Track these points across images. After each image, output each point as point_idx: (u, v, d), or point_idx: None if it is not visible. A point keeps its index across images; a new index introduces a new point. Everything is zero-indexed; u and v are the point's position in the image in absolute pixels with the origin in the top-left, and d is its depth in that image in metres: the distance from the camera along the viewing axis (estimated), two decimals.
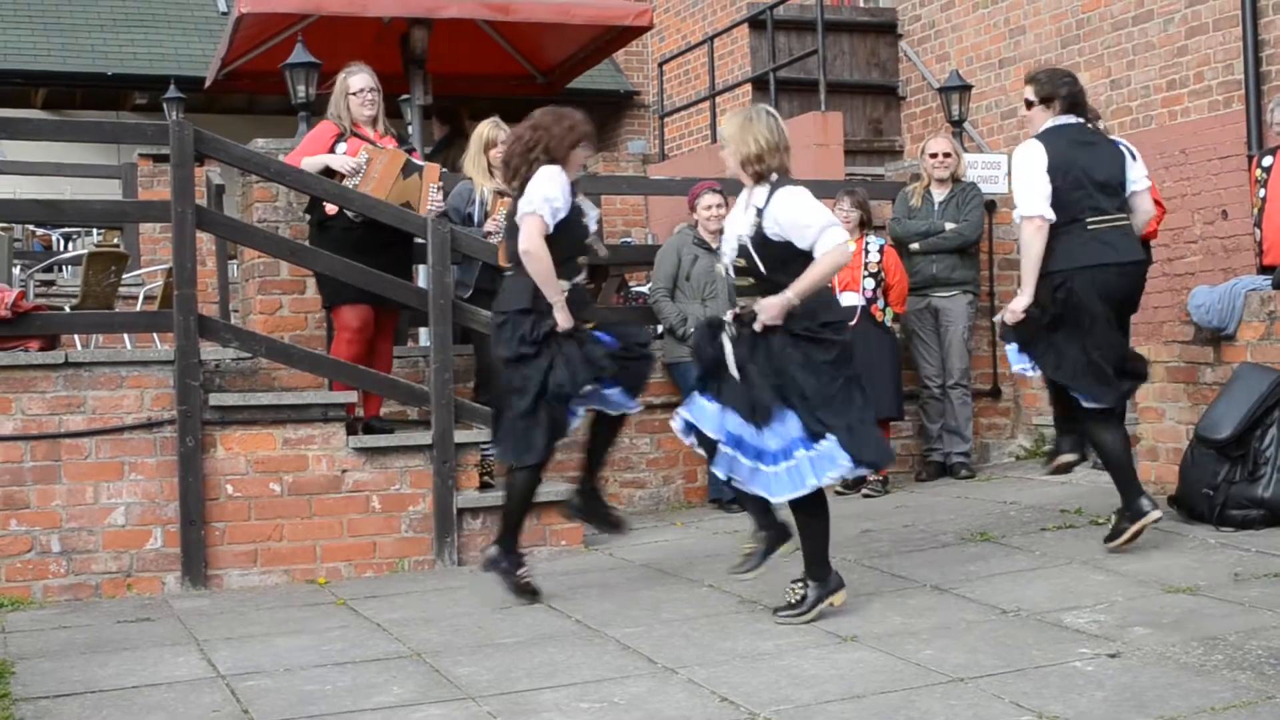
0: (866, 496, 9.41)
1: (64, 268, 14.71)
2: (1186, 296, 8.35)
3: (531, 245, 6.66)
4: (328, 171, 8.36)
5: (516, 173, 6.89)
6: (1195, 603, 6.06)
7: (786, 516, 6.39)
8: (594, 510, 7.38)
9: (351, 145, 8.42)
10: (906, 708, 4.99)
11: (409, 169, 8.46)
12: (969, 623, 6.02)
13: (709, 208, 9.45)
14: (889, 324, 9.58)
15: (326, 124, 8.56)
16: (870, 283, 9.48)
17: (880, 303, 9.52)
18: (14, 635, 6.74)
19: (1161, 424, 8.38)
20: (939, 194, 9.98)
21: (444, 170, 8.99)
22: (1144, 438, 8.51)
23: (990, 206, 10.41)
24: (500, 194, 8.63)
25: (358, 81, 8.51)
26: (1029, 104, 7.30)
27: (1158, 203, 9.37)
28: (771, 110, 6.52)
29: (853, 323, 9.34)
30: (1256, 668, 5.12)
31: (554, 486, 8.54)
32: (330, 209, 8.40)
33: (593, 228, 7.09)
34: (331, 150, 8.43)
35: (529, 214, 6.69)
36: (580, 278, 6.95)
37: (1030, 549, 7.31)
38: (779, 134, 6.44)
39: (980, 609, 6.22)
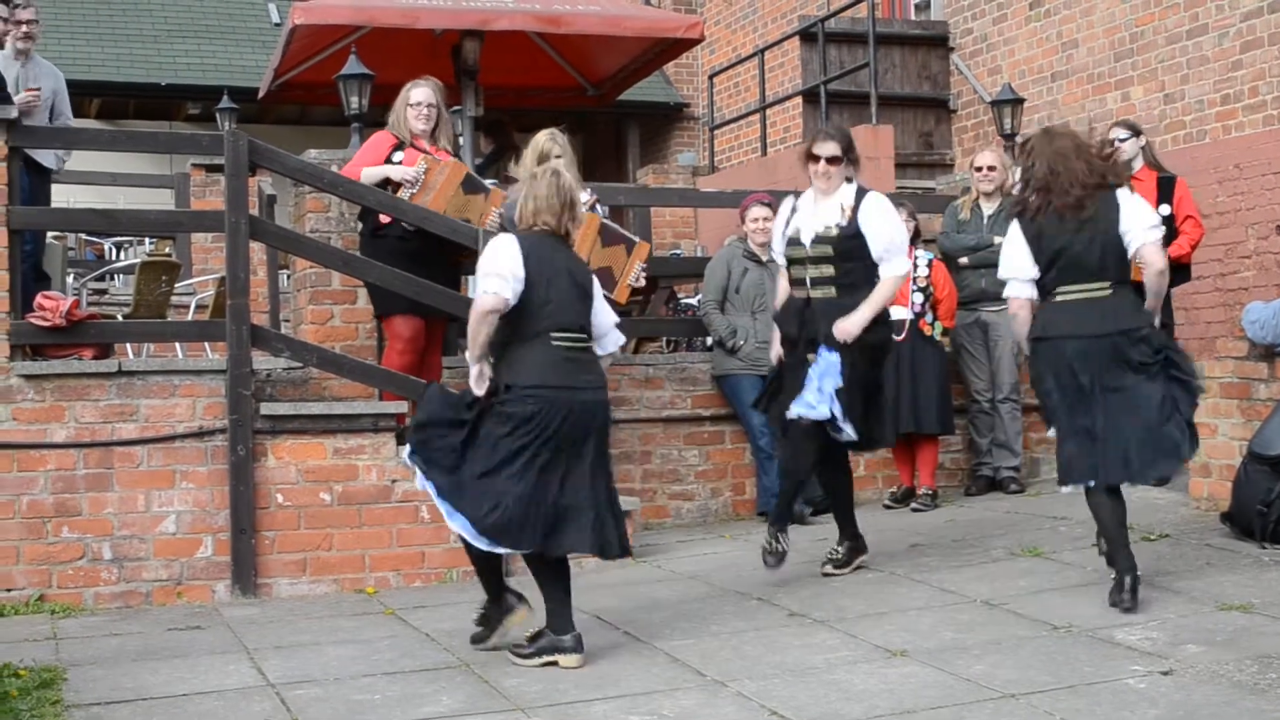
0: (915, 511, 9.36)
1: (116, 276, 14.81)
2: (1240, 312, 8.28)
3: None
4: (385, 182, 8.40)
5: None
6: (1249, 620, 6.01)
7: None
8: None
9: (409, 155, 8.45)
10: None
11: (470, 184, 8.49)
12: (1020, 638, 5.99)
13: (758, 220, 9.44)
14: (938, 338, 9.53)
15: (384, 133, 8.61)
16: (919, 297, 9.44)
17: (929, 317, 9.47)
18: (65, 642, 6.79)
19: (1214, 440, 8.31)
20: (988, 207, 9.93)
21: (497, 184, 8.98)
22: (1197, 454, 8.44)
23: None
24: None
25: (417, 95, 8.57)
26: (834, 160, 7.34)
27: (1193, 221, 9.32)
28: (558, 171, 6.42)
29: (901, 336, 9.35)
30: None
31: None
32: (384, 218, 8.43)
33: None
34: (389, 159, 8.47)
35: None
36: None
37: (1082, 565, 7.26)
38: (554, 195, 6.26)
39: (1031, 625, 6.19)
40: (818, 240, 7.31)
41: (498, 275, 6.05)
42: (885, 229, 7.30)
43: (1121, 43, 13.25)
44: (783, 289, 7.67)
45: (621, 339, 6.65)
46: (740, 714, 5.24)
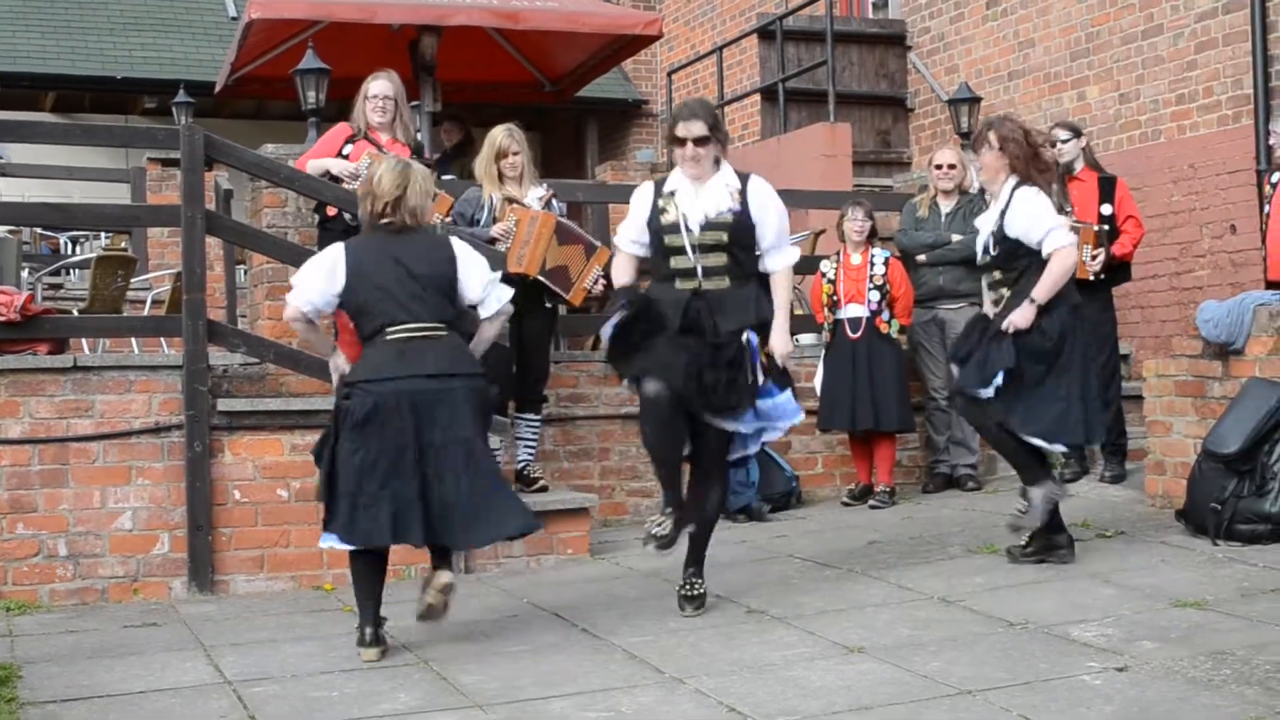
0: (873, 508, 9.40)
1: (71, 271, 14.71)
2: (1195, 311, 8.35)
3: None
4: (329, 175, 8.41)
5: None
6: (1203, 617, 6.06)
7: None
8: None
9: (356, 149, 8.48)
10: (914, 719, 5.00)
11: None
12: (976, 635, 6.01)
13: None
14: (894, 335, 9.56)
15: (342, 125, 8.65)
16: (875, 295, 9.47)
17: (885, 315, 9.50)
18: (20, 639, 6.74)
19: (1169, 438, 8.38)
20: (946, 205, 9.97)
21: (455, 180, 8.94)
22: (1151, 451, 8.53)
23: None
24: (510, 201, 8.61)
25: (375, 87, 8.59)
26: (702, 140, 6.56)
27: (1134, 221, 9.43)
28: (390, 165, 6.38)
29: (857, 335, 9.39)
30: (1264, 682, 5.11)
31: (565, 495, 8.56)
32: (331, 210, 8.46)
33: None
34: (340, 151, 8.49)
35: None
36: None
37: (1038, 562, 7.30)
38: (375, 186, 6.34)
39: (987, 621, 6.22)
40: (709, 226, 6.59)
41: (299, 286, 6.28)
42: (776, 215, 6.73)
43: (1077, 42, 13.32)
44: (623, 278, 6.99)
45: (504, 295, 6.50)
46: (698, 711, 5.25)
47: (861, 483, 9.72)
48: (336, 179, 8.43)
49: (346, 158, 8.53)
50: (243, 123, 18.64)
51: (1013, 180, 7.13)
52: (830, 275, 9.62)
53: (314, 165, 8.48)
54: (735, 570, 7.42)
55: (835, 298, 9.54)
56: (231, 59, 12.05)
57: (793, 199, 11.42)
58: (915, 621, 6.31)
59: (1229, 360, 8.03)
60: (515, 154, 8.64)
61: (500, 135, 8.68)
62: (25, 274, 12.02)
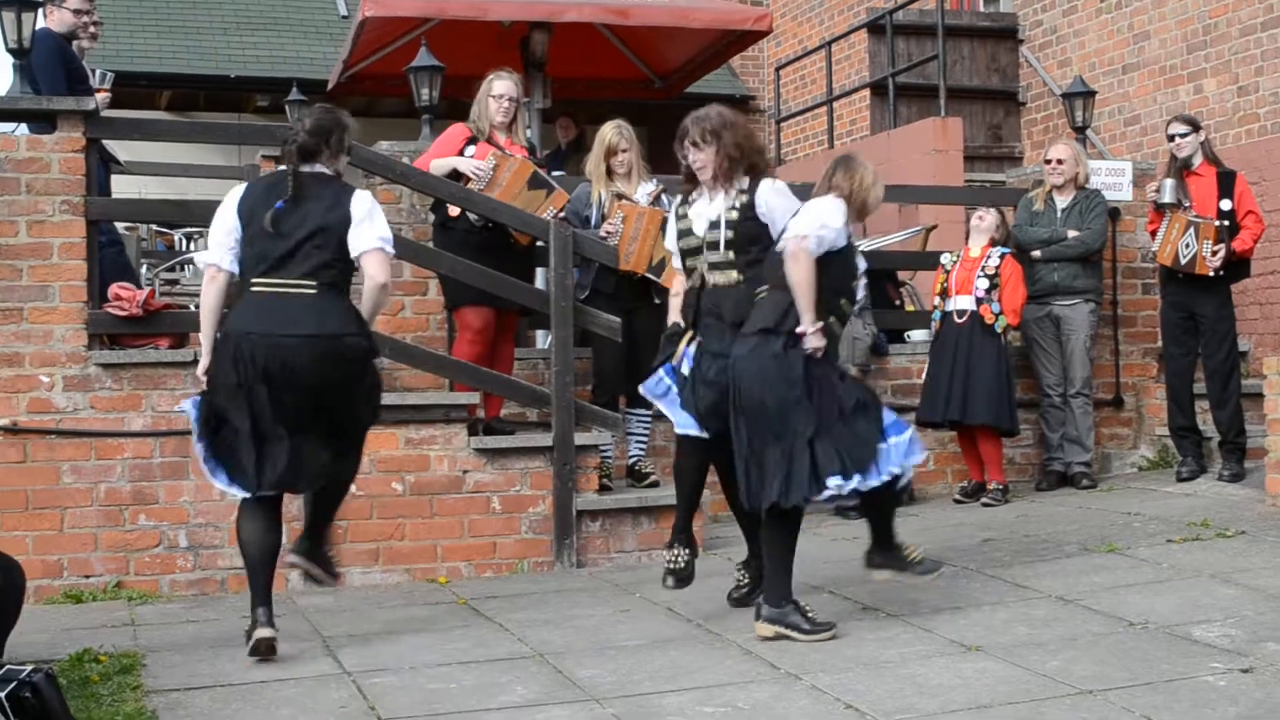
0: (986, 505, 9.31)
1: (187, 267, 14.92)
2: None
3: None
4: (455, 174, 8.44)
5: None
6: None
7: None
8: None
9: (480, 149, 8.49)
10: (1034, 719, 4.94)
11: (536, 181, 8.51)
12: (1095, 634, 5.95)
13: None
14: (998, 329, 9.40)
15: (459, 126, 8.65)
16: (984, 283, 9.35)
17: (994, 306, 9.36)
18: (143, 628, 6.86)
19: None
20: (1062, 201, 9.87)
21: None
22: (1272, 450, 8.38)
23: (1114, 214, 10.28)
24: (619, 197, 8.64)
25: (500, 87, 8.60)
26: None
27: (1254, 216, 9.28)
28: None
29: (962, 321, 9.32)
30: None
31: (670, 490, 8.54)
32: (453, 210, 8.48)
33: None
34: (461, 152, 8.52)
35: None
36: None
37: (1156, 561, 7.21)
38: None
39: (1106, 621, 6.14)
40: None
41: None
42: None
43: (1194, 34, 13.12)
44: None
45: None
46: (815, 707, 5.23)
47: (973, 480, 9.63)
48: (460, 177, 8.44)
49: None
50: (355, 120, 18.80)
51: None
52: (947, 266, 9.56)
53: (438, 165, 8.48)
54: (849, 566, 7.38)
55: (946, 286, 9.48)
56: (345, 56, 12.18)
57: (903, 194, 11.41)
58: (1032, 620, 6.25)
59: None
60: (624, 151, 8.67)
61: (610, 132, 8.71)
62: (143, 270, 12.22)
